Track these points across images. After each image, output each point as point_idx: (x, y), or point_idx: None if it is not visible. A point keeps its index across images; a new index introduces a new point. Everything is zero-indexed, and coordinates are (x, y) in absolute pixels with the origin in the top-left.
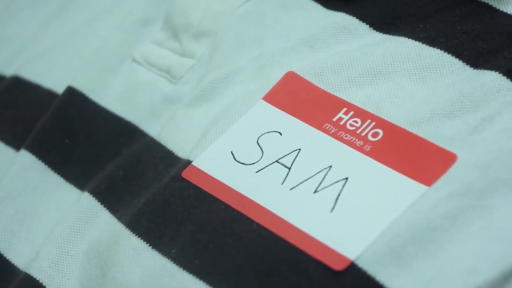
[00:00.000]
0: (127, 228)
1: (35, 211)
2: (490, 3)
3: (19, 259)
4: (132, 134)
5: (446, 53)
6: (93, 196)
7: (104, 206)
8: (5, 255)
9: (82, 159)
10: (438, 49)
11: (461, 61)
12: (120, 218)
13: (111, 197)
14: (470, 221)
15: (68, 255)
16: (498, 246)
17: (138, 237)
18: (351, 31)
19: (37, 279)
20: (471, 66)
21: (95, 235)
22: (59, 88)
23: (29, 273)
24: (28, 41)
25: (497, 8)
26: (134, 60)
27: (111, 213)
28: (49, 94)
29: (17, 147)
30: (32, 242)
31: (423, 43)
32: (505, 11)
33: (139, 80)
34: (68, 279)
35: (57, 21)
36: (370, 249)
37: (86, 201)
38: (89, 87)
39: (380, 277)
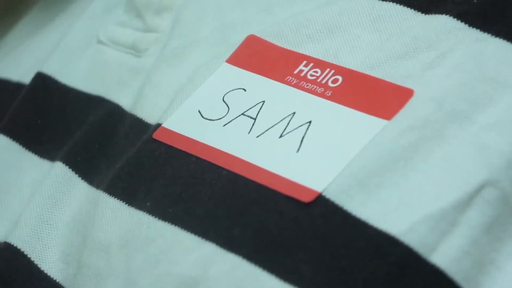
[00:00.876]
0: (105, 193)
1: (11, 188)
2: None
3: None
4: (100, 106)
5: (397, 4)
6: (69, 167)
7: (82, 178)
8: None
9: (55, 136)
10: (390, 2)
11: (412, 10)
12: (97, 186)
13: (87, 168)
14: (430, 150)
15: (48, 225)
16: (457, 172)
17: (115, 198)
18: None
19: (18, 247)
20: (422, 13)
21: (75, 206)
22: (27, 79)
23: (9, 242)
24: None
25: None
26: (99, 42)
27: (88, 183)
28: (18, 86)
29: None
30: (10, 216)
31: None
32: None
33: (105, 58)
34: (49, 248)
35: (20, 22)
36: (337, 181)
37: (61, 172)
38: (57, 70)
39: (347, 206)
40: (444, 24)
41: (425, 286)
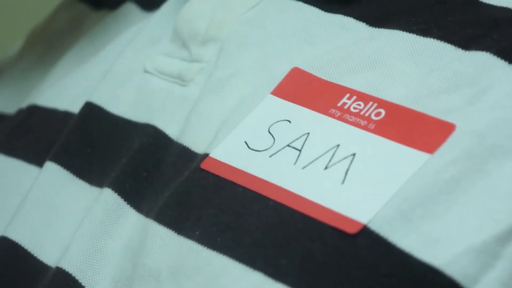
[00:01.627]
0: (154, 221)
1: (62, 214)
2: None
3: (50, 258)
4: (148, 133)
5: (438, 40)
6: (118, 194)
7: (131, 206)
8: (37, 256)
9: (103, 163)
10: (431, 38)
11: (452, 45)
12: (146, 214)
13: (135, 196)
14: (472, 184)
15: (99, 252)
16: (499, 205)
17: (164, 226)
18: (348, 29)
19: (69, 272)
20: (462, 49)
21: (125, 233)
22: (74, 108)
23: (61, 266)
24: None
25: (481, 1)
26: (146, 71)
27: (137, 211)
28: (66, 115)
29: (40, 164)
30: (61, 241)
31: (416, 34)
32: (488, 2)
33: (151, 87)
34: (99, 274)
35: (67, 54)
36: (381, 213)
37: (111, 198)
38: (105, 99)
39: (391, 237)
40: (484, 61)
41: None
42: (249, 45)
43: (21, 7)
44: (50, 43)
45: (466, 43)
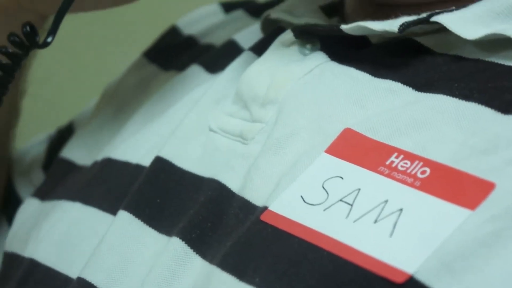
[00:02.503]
0: (218, 268)
1: (134, 258)
2: None
3: None
4: (212, 188)
5: (479, 104)
6: (185, 243)
7: (196, 253)
8: None
9: (172, 214)
10: (472, 102)
11: (493, 110)
12: (211, 261)
13: (201, 244)
14: (511, 238)
15: None
16: None
17: (227, 273)
18: (396, 93)
19: None
20: (502, 113)
21: (191, 278)
22: (145, 162)
23: None
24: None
25: None
26: (211, 130)
27: (202, 258)
28: (137, 168)
29: (113, 212)
30: (134, 284)
31: (459, 99)
32: None
33: (216, 145)
34: None
35: (138, 111)
36: (426, 264)
37: (178, 246)
38: (173, 154)
39: (436, 286)
40: None
41: None
42: (305, 107)
43: (95, 66)
44: (122, 101)
45: (505, 107)
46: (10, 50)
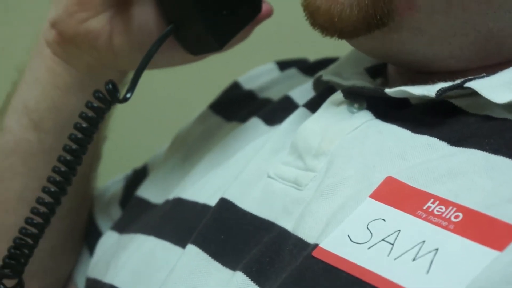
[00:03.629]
0: None
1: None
2: None
3: None
4: (270, 228)
5: (507, 158)
6: (247, 276)
7: (257, 285)
8: None
9: (234, 249)
10: (501, 156)
11: None
12: None
13: (260, 278)
14: None
15: None
16: None
17: None
18: (433, 147)
19: None
20: None
21: None
22: (211, 202)
23: None
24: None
25: None
26: (269, 176)
27: None
28: (204, 207)
29: (183, 245)
30: None
31: (489, 153)
32: None
33: (273, 190)
34: None
35: (205, 157)
36: None
37: (241, 279)
38: (236, 197)
39: None
40: None
41: None
42: (352, 158)
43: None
44: (190, 147)
45: None
46: (95, 105)
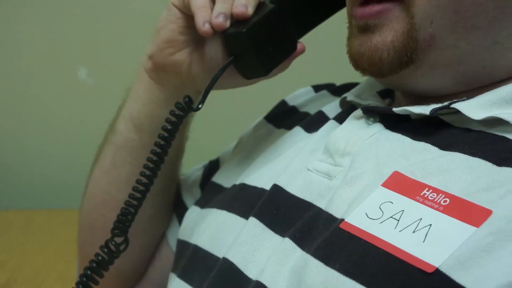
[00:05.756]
0: (311, 256)
1: (259, 248)
2: (506, 136)
3: (252, 273)
4: (309, 207)
5: (482, 159)
6: (292, 240)
7: (300, 247)
8: (243, 271)
9: (283, 221)
10: (477, 158)
11: (491, 163)
12: (307, 252)
13: (303, 243)
14: (502, 247)
15: (279, 273)
16: None
17: (318, 260)
18: (428, 151)
19: (262, 282)
20: (497, 166)
21: (294, 264)
22: (267, 187)
23: (259, 280)
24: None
25: (509, 138)
26: (308, 170)
27: (303, 250)
28: (262, 190)
29: (246, 218)
30: (260, 264)
31: (468, 155)
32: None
33: (311, 179)
34: (278, 285)
35: (261, 154)
36: (447, 261)
37: (288, 243)
38: (285, 183)
39: (453, 276)
40: (510, 173)
41: None
42: (369, 158)
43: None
44: (251, 147)
45: (499, 162)
46: (176, 113)
